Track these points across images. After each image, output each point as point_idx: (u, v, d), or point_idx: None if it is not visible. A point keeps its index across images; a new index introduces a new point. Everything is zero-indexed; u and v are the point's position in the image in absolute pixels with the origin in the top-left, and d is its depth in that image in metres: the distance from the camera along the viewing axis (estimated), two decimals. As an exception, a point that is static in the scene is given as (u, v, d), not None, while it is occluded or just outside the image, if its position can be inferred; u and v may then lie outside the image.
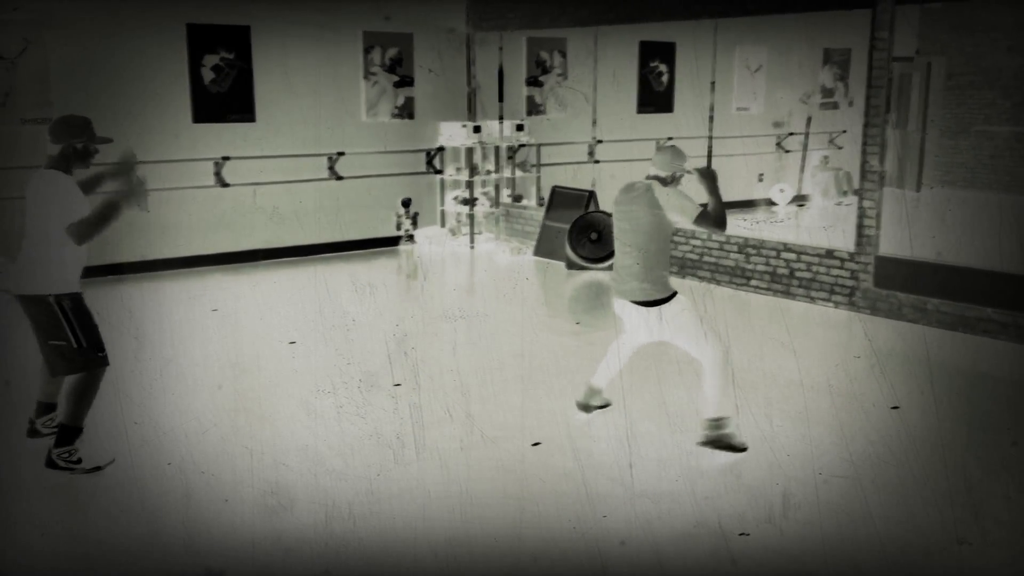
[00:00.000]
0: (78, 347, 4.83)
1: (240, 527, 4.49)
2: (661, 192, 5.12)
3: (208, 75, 9.46)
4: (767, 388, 6.23)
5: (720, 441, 5.24)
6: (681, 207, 5.09)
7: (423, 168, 11.07)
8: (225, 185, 9.54)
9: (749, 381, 6.31)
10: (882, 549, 4.31)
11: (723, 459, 5.26)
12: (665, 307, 5.15)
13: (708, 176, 5.22)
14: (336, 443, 5.49)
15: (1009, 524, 4.62)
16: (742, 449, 5.25)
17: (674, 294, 5.19)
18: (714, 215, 5.12)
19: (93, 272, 8.58)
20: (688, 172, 5.23)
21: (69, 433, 4.96)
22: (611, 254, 9.37)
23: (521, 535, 4.44)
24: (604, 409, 5.69)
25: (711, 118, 9.56)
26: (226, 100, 9.58)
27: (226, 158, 9.52)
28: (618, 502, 4.73)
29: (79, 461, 4.97)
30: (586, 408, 5.68)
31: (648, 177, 5.22)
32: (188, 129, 9.43)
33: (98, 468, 5.01)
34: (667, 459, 5.27)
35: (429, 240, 11.03)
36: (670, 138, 10.63)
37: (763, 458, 5.25)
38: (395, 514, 4.63)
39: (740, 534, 4.35)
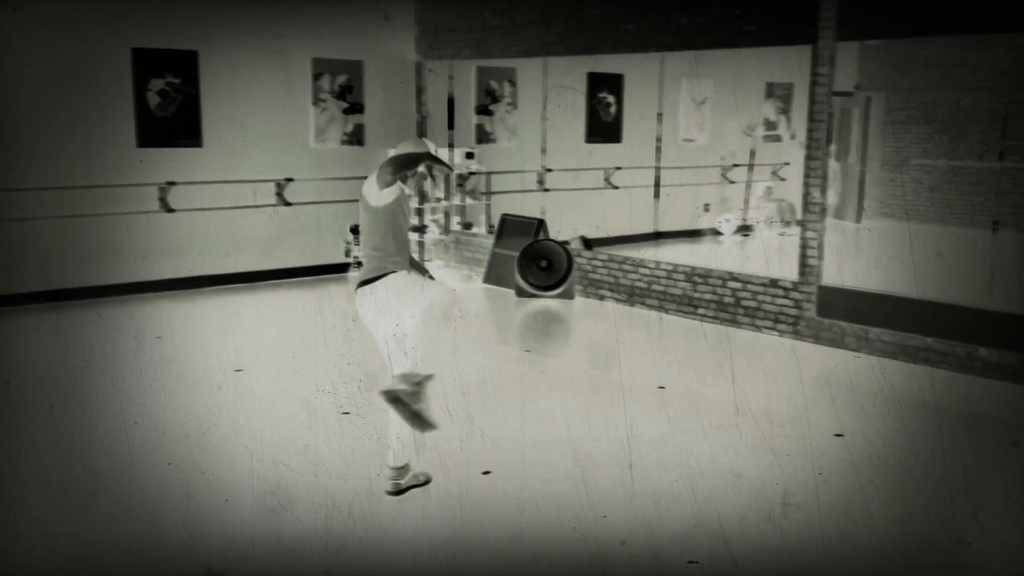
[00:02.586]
0: None
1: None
2: (368, 182, 4.71)
3: (154, 99, 9.37)
4: (710, 415, 6.16)
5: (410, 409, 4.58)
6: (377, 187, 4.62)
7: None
8: (170, 210, 9.37)
9: (698, 407, 6.28)
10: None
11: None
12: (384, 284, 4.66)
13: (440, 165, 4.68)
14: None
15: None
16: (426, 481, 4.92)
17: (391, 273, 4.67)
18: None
19: (33, 299, 8.63)
20: (434, 163, 4.71)
21: None
22: (561, 282, 9.43)
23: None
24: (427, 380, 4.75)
25: (658, 148, 9.70)
26: (172, 124, 9.51)
27: (171, 183, 9.37)
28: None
29: None
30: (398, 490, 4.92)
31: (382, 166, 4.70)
32: (132, 153, 9.28)
33: None
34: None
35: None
36: (618, 168, 10.81)
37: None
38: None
39: (689, 562, 4.22)
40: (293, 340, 7.96)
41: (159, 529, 4.48)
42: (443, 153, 10.71)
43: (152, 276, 9.50)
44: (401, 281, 4.68)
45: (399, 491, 4.81)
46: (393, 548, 4.33)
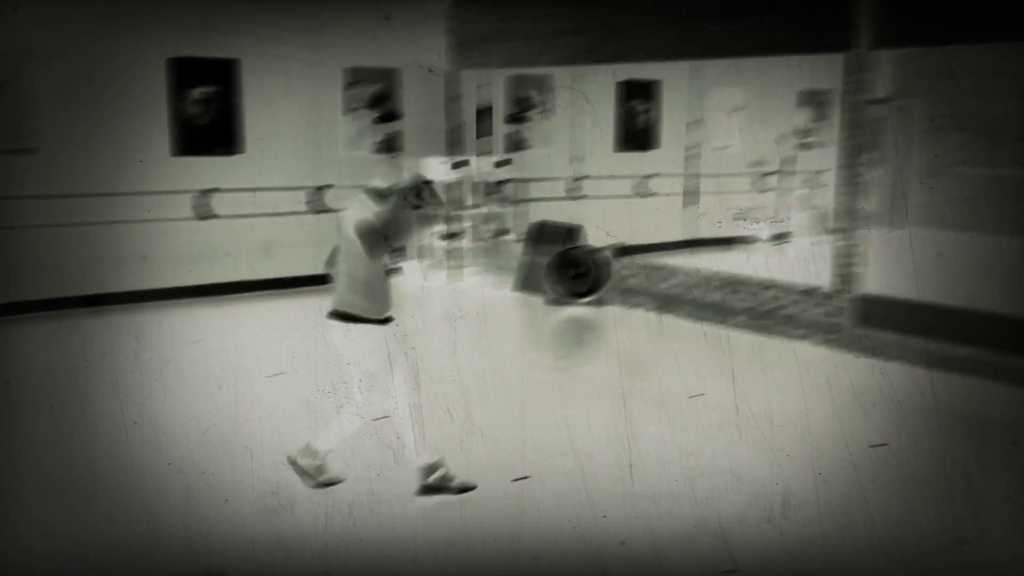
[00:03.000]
0: None
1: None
2: (350, 213, 4.70)
3: (191, 108, 9.42)
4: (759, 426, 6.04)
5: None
6: (352, 220, 4.61)
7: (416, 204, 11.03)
8: (207, 218, 9.45)
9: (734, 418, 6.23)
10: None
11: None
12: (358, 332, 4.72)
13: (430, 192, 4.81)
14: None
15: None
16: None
17: (369, 320, 4.71)
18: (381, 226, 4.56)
19: (72, 303, 8.70)
20: (421, 183, 4.89)
21: None
22: (592, 290, 9.37)
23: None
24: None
25: (690, 157, 9.54)
26: (209, 133, 9.54)
27: (209, 190, 9.45)
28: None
29: None
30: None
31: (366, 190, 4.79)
32: (167, 162, 9.35)
33: None
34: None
35: (412, 273, 11.02)
36: (652, 175, 10.74)
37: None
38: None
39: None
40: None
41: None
42: (476, 160, 10.73)
43: (189, 281, 9.55)
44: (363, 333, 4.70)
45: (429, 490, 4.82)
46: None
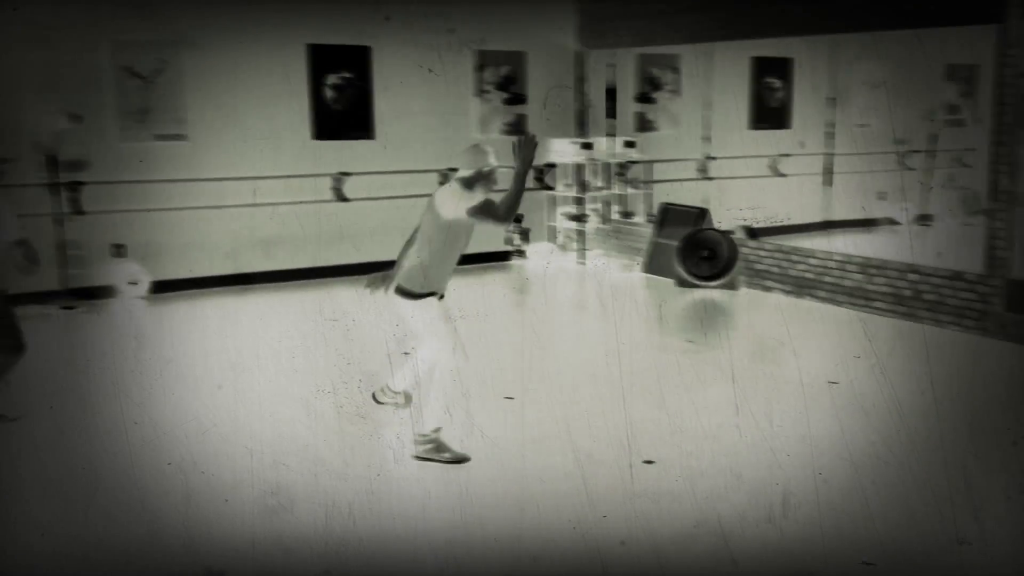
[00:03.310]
0: None
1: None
2: (442, 192, 5.18)
3: (329, 93, 9.75)
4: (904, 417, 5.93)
5: (436, 449, 5.21)
6: (454, 202, 5.02)
7: (533, 184, 11.09)
8: (344, 200, 9.77)
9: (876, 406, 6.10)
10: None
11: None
12: (417, 307, 5.12)
13: (528, 144, 5.05)
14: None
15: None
16: (462, 459, 5.20)
17: (431, 294, 5.11)
18: (503, 203, 4.99)
19: (222, 282, 9.32)
20: (494, 167, 5.13)
21: None
22: (723, 272, 9.24)
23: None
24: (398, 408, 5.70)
25: (829, 134, 9.34)
26: (345, 118, 9.86)
27: (345, 174, 9.78)
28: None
29: None
30: (376, 400, 5.74)
31: (457, 179, 5.17)
32: (308, 146, 9.75)
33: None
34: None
35: (540, 255, 11.05)
36: (785, 154, 10.57)
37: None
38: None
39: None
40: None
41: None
42: (604, 142, 10.87)
43: (326, 262, 9.90)
44: (435, 312, 5.16)
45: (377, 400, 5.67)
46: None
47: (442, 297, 5.22)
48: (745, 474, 5.08)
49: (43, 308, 8.25)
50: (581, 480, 4.96)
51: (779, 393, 6.31)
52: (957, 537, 4.36)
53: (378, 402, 5.72)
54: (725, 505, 4.71)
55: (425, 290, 5.10)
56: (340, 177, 9.72)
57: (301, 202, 9.67)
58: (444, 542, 4.37)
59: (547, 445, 5.46)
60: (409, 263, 5.19)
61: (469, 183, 5.09)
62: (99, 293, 8.86)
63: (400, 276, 5.19)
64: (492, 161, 5.13)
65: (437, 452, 5.19)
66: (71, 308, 8.50)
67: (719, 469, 5.15)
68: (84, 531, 4.48)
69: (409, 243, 5.34)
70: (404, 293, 5.13)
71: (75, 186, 8.59)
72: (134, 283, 8.86)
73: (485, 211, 4.98)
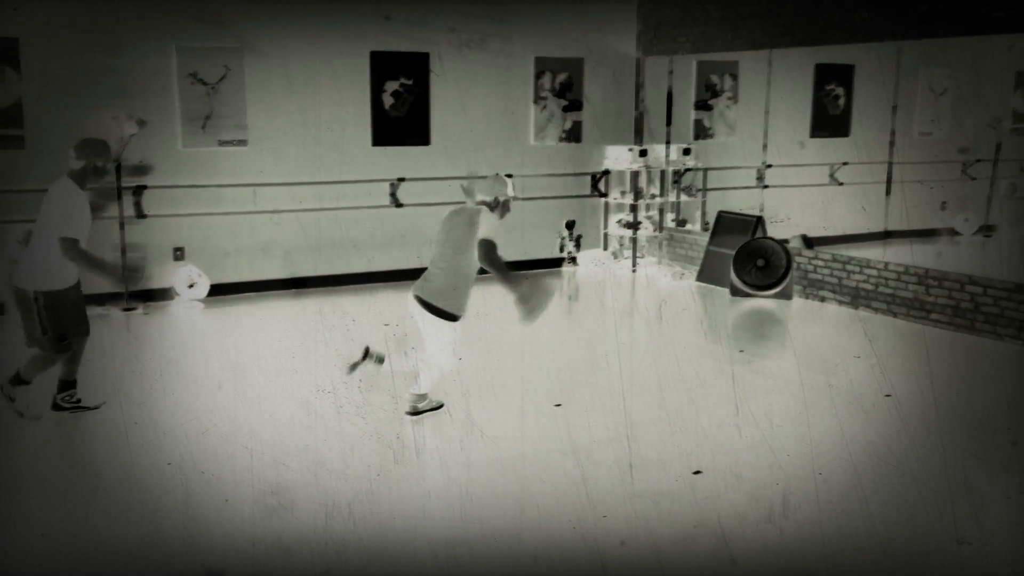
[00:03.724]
0: (43, 334, 5.60)
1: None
2: (486, 218, 5.47)
3: (388, 100, 9.83)
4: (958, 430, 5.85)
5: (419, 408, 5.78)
6: (492, 234, 5.37)
7: (588, 191, 11.13)
8: (399, 205, 9.88)
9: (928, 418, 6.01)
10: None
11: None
12: (444, 327, 5.49)
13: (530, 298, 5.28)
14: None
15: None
16: (439, 406, 5.85)
17: (455, 318, 5.51)
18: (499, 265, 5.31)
19: (277, 285, 9.47)
20: (510, 198, 5.64)
21: (17, 379, 5.78)
22: (779, 281, 9.17)
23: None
24: (437, 410, 5.91)
25: (891, 143, 9.26)
26: (404, 124, 9.93)
27: (401, 179, 9.88)
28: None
29: (13, 400, 5.77)
30: (415, 412, 5.84)
31: (477, 203, 5.60)
32: (367, 152, 9.83)
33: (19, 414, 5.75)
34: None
35: (592, 262, 11.04)
36: (845, 163, 10.49)
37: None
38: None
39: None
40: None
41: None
42: (660, 149, 10.85)
43: (381, 267, 9.95)
44: (450, 329, 5.53)
45: (416, 412, 5.80)
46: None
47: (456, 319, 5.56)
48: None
49: (103, 309, 8.35)
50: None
51: (838, 401, 6.22)
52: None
53: (418, 412, 5.86)
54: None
55: (459, 312, 5.52)
56: (396, 183, 9.81)
57: (362, 207, 9.80)
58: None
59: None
60: (444, 280, 5.50)
61: (489, 207, 5.58)
62: (157, 295, 8.98)
63: (430, 292, 5.49)
64: (510, 192, 5.66)
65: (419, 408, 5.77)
66: (132, 309, 8.64)
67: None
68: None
69: (437, 268, 5.60)
70: (436, 311, 5.46)
71: (139, 190, 8.76)
72: (192, 285, 8.96)
73: (492, 248, 5.31)
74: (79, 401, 5.90)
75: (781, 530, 4.50)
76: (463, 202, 5.71)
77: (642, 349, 7.76)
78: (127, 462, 5.17)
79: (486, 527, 4.49)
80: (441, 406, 5.90)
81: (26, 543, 4.38)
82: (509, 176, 5.74)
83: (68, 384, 5.88)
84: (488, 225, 5.39)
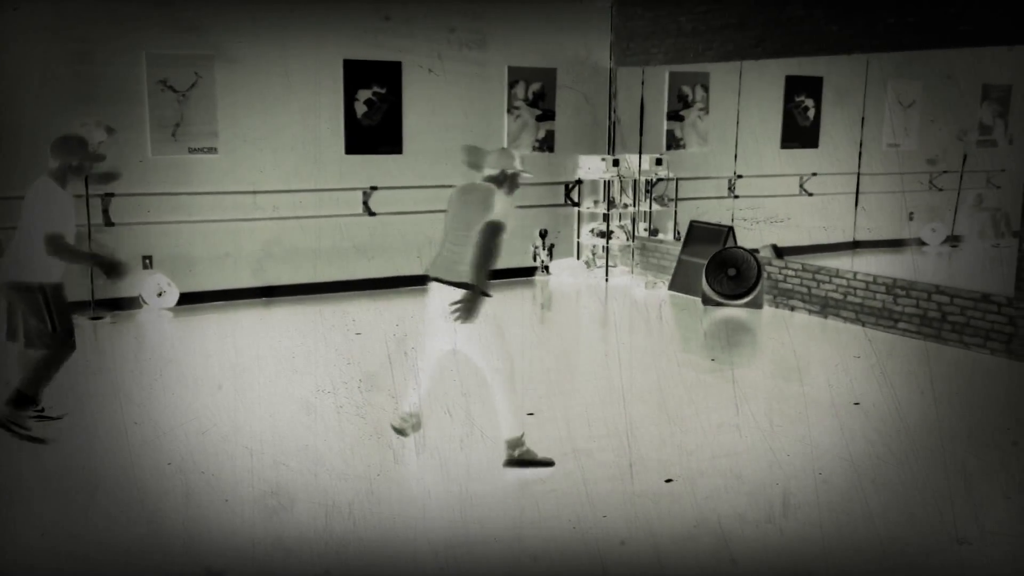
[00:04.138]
0: (52, 330, 5.42)
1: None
2: (499, 199, 5.13)
3: (361, 108, 9.79)
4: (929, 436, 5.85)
5: (524, 460, 5.13)
6: (503, 215, 5.00)
7: (561, 200, 11.15)
8: (372, 214, 9.85)
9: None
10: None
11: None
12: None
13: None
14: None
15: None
16: (549, 463, 5.16)
17: (487, 294, 4.97)
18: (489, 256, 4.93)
19: (247, 294, 9.34)
20: (519, 171, 5.38)
21: (23, 399, 5.48)
22: (750, 291, 9.21)
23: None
24: (417, 432, 5.47)
25: (860, 154, 9.34)
26: (377, 133, 9.90)
27: (374, 188, 9.85)
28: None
29: (28, 429, 5.50)
30: (402, 432, 5.43)
31: (485, 179, 5.34)
32: (340, 160, 9.78)
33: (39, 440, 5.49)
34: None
35: (565, 271, 11.05)
36: (814, 174, 10.58)
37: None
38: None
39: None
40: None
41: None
42: (633, 159, 10.89)
43: (354, 276, 9.95)
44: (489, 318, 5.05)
45: (402, 433, 5.38)
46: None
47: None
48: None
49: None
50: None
51: (809, 409, 6.19)
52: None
53: (402, 432, 5.45)
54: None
55: (488, 289, 4.98)
56: (369, 191, 9.75)
57: (336, 216, 9.74)
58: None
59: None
60: (456, 261, 5.06)
61: (496, 181, 5.31)
62: (125, 304, 8.89)
63: (458, 273, 5.00)
64: (517, 165, 5.40)
65: (524, 460, 5.16)
66: (99, 318, 8.54)
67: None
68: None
69: (455, 246, 5.16)
70: (466, 287, 4.93)
71: (107, 198, 8.70)
72: (161, 294, 8.90)
73: (494, 232, 4.93)
74: (43, 410, 5.72)
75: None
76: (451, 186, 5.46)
77: (611, 356, 7.75)
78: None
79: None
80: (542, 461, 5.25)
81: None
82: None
83: (26, 400, 5.53)
84: (501, 205, 5.03)
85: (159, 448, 5.38)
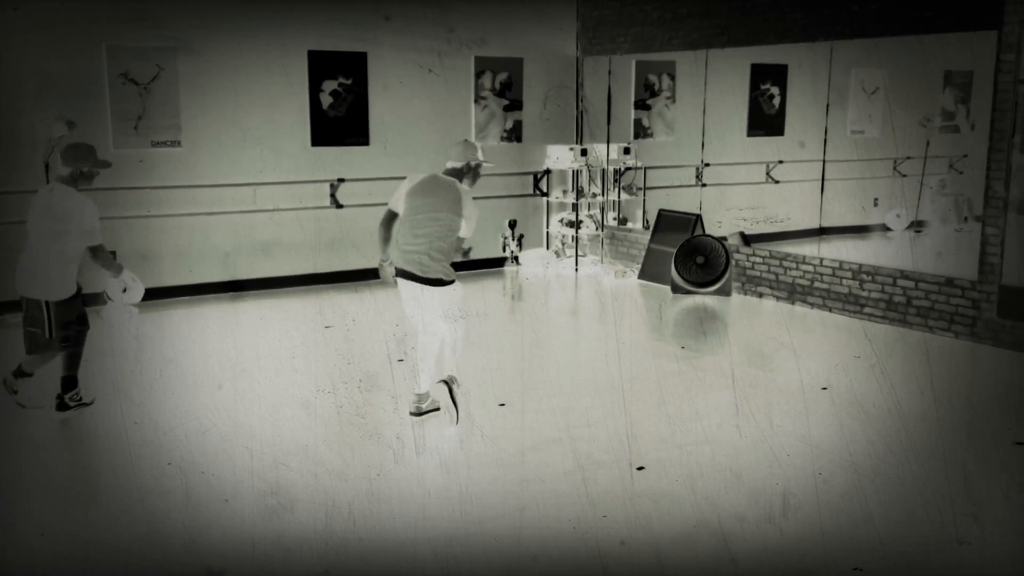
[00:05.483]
0: (48, 336, 5.72)
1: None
2: (467, 196, 5.51)
3: (326, 100, 9.75)
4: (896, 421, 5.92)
5: (453, 393, 5.65)
6: (468, 216, 5.52)
7: (530, 190, 11.15)
8: (340, 206, 9.80)
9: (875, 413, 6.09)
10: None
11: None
12: (447, 290, 5.55)
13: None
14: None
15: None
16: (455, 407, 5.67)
17: (453, 281, 5.60)
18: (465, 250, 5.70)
19: (214, 288, 9.32)
20: (481, 162, 5.62)
21: (20, 374, 5.89)
22: (718, 278, 9.27)
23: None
24: (437, 412, 5.83)
25: (825, 141, 9.40)
26: (343, 124, 9.86)
27: (341, 180, 9.80)
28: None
29: (16, 392, 5.88)
30: (419, 413, 5.82)
31: (446, 171, 5.62)
32: (306, 152, 9.73)
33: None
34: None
35: (534, 261, 11.06)
36: (780, 161, 10.62)
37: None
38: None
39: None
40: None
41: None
42: (601, 148, 10.95)
43: (323, 268, 9.92)
44: (458, 294, 5.62)
45: (419, 413, 5.78)
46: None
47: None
48: (745, 474, 5.09)
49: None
50: (581, 480, 4.97)
51: (776, 396, 6.31)
52: (957, 537, 4.36)
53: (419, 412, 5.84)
54: (725, 505, 4.71)
55: (454, 277, 5.59)
56: (336, 183, 9.69)
57: (301, 208, 9.66)
58: (444, 542, 4.37)
59: (547, 446, 5.46)
60: (440, 254, 5.51)
61: (458, 174, 5.59)
62: (90, 300, 8.79)
63: (433, 271, 5.50)
64: (480, 157, 5.63)
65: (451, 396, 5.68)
66: None
67: (719, 469, 5.15)
68: (84, 531, 4.48)
69: (420, 240, 5.53)
70: (442, 284, 5.53)
71: None
72: (126, 290, 8.78)
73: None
74: (82, 399, 5.93)
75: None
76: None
77: (587, 346, 7.77)
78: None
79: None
80: (438, 408, 5.85)
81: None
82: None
83: (72, 381, 5.88)
84: (469, 199, 5.54)
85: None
